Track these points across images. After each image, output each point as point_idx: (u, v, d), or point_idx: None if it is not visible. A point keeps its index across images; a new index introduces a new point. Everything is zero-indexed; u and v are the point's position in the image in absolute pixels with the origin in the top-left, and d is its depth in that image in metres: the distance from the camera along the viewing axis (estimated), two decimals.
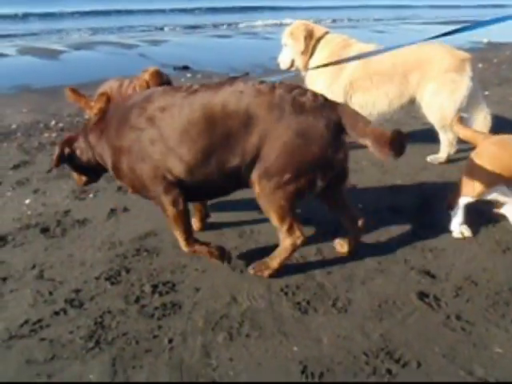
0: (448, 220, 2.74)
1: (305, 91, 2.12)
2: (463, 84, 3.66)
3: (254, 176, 2.13)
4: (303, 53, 3.96)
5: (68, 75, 7.80)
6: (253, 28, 18.27)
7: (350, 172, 3.65)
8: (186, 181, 2.18)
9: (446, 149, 3.88)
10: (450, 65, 3.67)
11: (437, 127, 3.86)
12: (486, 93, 5.64)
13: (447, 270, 2.38)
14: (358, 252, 2.54)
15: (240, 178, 2.20)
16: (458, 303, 2.13)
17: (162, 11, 25.47)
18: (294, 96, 2.07)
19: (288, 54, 4.08)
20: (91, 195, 3.38)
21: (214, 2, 32.38)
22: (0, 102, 6.23)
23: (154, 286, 2.28)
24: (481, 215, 2.80)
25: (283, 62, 4.15)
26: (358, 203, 3.12)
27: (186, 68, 8.72)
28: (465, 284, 2.27)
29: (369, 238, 2.68)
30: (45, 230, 2.85)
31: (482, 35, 13.59)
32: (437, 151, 3.93)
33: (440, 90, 3.68)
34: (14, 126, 5.17)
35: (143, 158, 2.16)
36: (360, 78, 3.80)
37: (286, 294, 2.21)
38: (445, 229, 2.77)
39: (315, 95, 2.12)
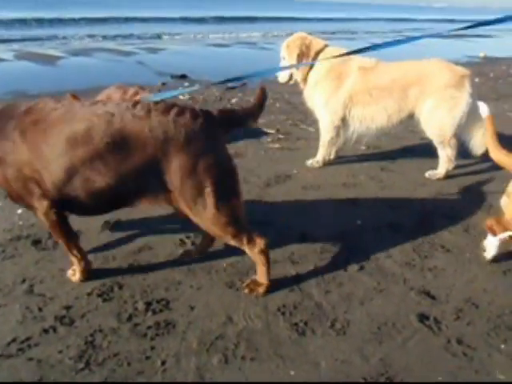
0: (447, 238, 2.71)
1: (182, 110, 2.06)
2: (463, 100, 3.65)
3: (183, 208, 2.13)
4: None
5: (65, 81, 7.75)
6: (251, 38, 18.36)
7: (349, 187, 3.69)
8: (57, 196, 2.16)
9: (444, 165, 3.85)
10: (450, 80, 3.65)
11: (435, 143, 3.84)
12: None
13: (447, 291, 2.34)
14: (356, 270, 2.49)
15: (125, 199, 2.20)
16: (459, 326, 2.08)
17: (161, 19, 25.56)
18: (173, 118, 2.03)
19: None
20: None
21: (213, 11, 32.61)
22: None
23: (148, 304, 2.21)
24: (481, 234, 2.76)
25: (281, 75, 4.10)
26: (356, 219, 3.08)
27: (183, 77, 8.71)
28: (465, 306, 2.22)
29: (367, 256, 2.64)
30: (36, 242, 2.78)
31: (479, 49, 13.72)
32: (435, 166, 3.91)
33: (439, 105, 3.67)
34: None
35: (14, 170, 2.15)
36: (359, 92, 3.78)
37: (283, 313, 2.16)
38: (444, 247, 2.74)
39: (193, 112, 2.08)
